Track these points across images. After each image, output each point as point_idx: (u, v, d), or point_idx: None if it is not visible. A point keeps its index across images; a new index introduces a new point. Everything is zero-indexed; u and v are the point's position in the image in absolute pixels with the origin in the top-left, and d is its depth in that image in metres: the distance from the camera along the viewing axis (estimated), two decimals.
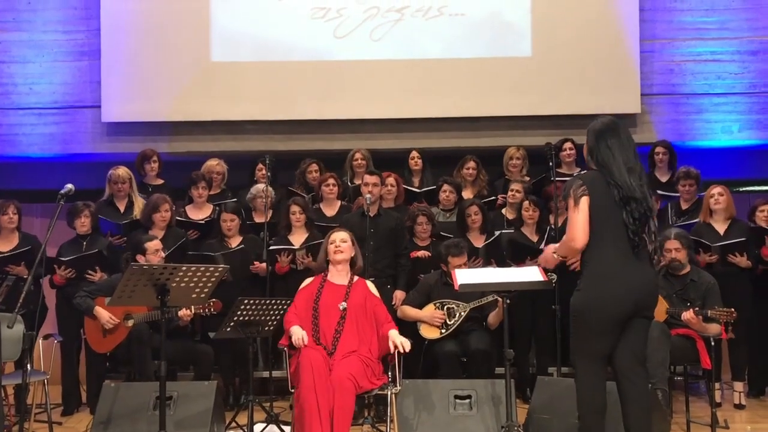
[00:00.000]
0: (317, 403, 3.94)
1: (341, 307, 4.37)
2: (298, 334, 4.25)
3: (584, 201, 3.39)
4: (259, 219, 5.86)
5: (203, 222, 5.94)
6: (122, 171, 6.01)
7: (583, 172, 3.75)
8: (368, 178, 5.62)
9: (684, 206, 6.00)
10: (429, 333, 5.10)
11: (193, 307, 4.89)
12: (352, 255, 4.60)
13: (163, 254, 5.15)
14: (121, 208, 5.98)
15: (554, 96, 7.22)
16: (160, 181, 6.44)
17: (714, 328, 4.81)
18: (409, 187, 6.38)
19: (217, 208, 6.04)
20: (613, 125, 3.53)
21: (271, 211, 5.90)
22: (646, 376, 3.52)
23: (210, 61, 7.33)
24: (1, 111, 7.41)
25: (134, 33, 7.30)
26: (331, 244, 4.57)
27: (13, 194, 6.12)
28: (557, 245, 3.60)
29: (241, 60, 7.32)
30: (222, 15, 7.33)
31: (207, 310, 4.89)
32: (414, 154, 6.70)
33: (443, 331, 5.07)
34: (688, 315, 4.73)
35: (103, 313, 5.03)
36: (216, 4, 7.34)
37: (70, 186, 4.17)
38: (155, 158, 6.39)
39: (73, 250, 5.53)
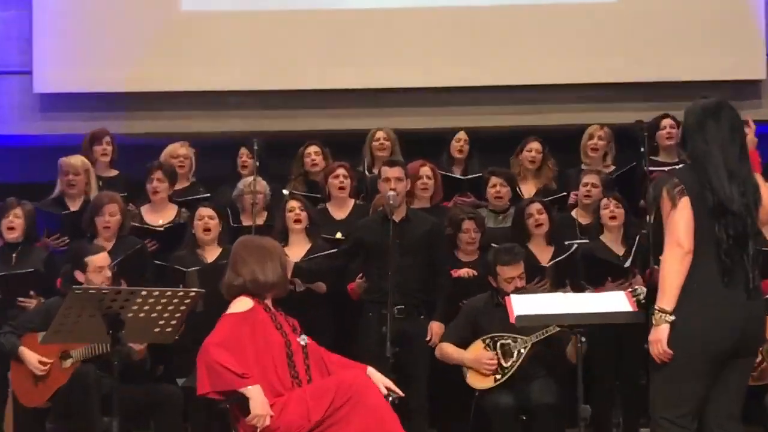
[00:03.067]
0: None
1: (302, 342, 4.00)
2: (263, 411, 3.78)
3: (684, 201, 3.52)
4: (248, 222, 5.88)
5: (162, 228, 5.93)
6: (76, 160, 6.07)
7: (677, 167, 3.79)
8: (389, 171, 5.52)
9: None
10: (479, 382, 5.10)
11: None
12: None
13: (108, 273, 5.15)
14: (73, 209, 5.99)
15: (648, 57, 7.25)
16: (114, 172, 6.49)
17: None
18: (448, 173, 6.36)
19: (183, 209, 6.06)
20: (717, 110, 3.63)
21: (266, 213, 5.94)
22: None
23: (179, 11, 7.41)
24: None
25: None
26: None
27: None
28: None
29: (221, 8, 7.38)
30: None
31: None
32: (460, 135, 6.67)
33: (498, 377, 5.08)
34: None
35: (31, 356, 4.99)
36: None
37: None
38: (108, 139, 6.43)
39: None
